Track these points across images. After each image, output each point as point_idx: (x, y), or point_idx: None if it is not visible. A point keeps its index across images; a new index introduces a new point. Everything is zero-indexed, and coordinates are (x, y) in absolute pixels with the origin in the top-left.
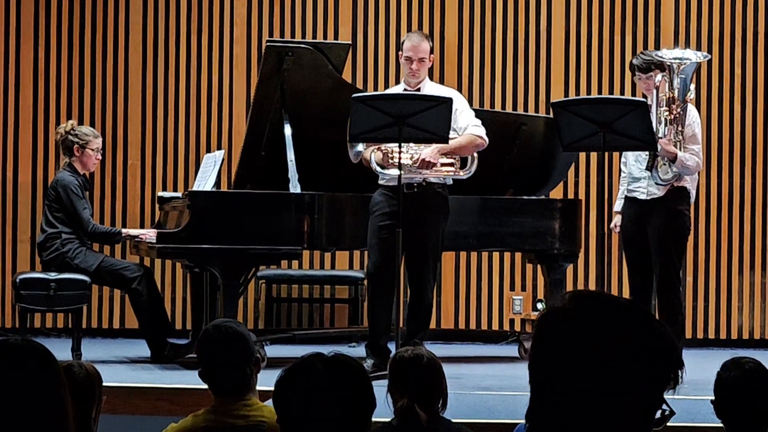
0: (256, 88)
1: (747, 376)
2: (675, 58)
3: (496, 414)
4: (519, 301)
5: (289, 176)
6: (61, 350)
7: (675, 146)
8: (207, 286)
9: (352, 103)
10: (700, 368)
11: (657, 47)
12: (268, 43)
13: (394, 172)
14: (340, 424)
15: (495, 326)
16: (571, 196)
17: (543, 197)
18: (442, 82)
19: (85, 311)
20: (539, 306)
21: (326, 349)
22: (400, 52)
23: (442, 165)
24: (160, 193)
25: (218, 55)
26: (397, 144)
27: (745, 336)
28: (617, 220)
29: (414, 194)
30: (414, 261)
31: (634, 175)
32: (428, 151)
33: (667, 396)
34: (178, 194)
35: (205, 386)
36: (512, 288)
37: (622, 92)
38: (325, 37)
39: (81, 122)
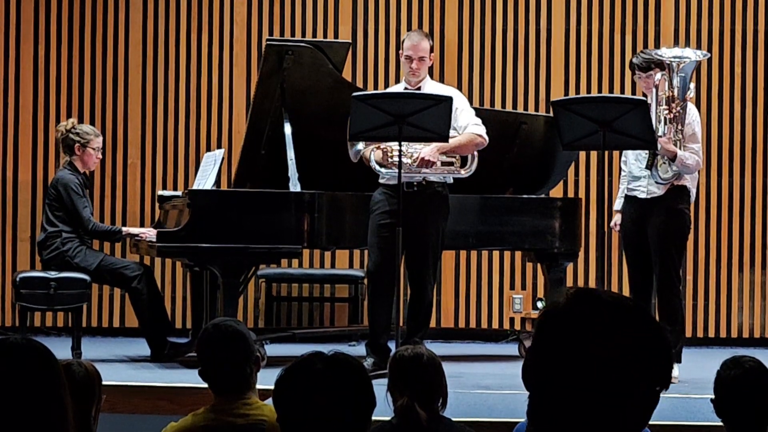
0: (256, 86)
1: (747, 375)
2: (674, 57)
3: (496, 413)
4: (519, 300)
5: (289, 175)
6: (61, 349)
7: (675, 145)
8: (207, 284)
9: (352, 102)
10: (700, 367)
11: (657, 46)
12: (268, 42)
13: (394, 170)
14: (340, 422)
15: (495, 325)
16: (571, 194)
17: (543, 196)
18: (442, 80)
19: (85, 310)
20: (539, 305)
21: (326, 348)
22: (400, 51)
23: (442, 164)
24: (160, 192)
25: (218, 54)
26: (397, 143)
27: (745, 335)
28: (617, 218)
29: (414, 193)
30: (414, 260)
31: (634, 174)
32: (428, 150)
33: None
34: (178, 193)
35: (205, 385)
36: (512, 287)
37: (622, 91)
38: (325, 36)
39: (81, 121)
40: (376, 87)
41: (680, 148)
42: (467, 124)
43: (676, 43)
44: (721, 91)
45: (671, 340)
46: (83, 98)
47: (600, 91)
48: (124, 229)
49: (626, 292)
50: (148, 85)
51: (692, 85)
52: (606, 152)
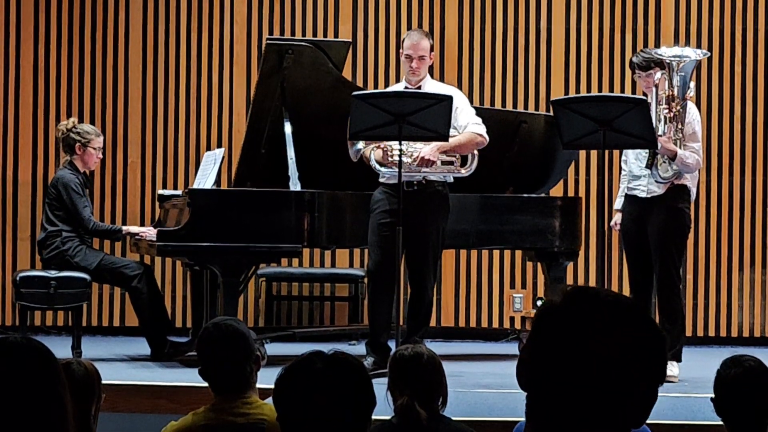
0: (256, 86)
1: (747, 374)
2: (674, 56)
3: (497, 412)
4: (519, 299)
5: (289, 174)
6: (61, 348)
7: (675, 144)
8: (207, 284)
9: (352, 101)
10: (700, 366)
11: (657, 45)
12: (268, 41)
13: (394, 170)
14: (340, 422)
15: (495, 324)
16: (571, 193)
17: (543, 195)
18: (442, 79)
19: (85, 309)
20: (539, 304)
21: (326, 347)
22: (400, 50)
23: (443, 163)
24: (160, 191)
25: (218, 54)
26: (397, 142)
27: (746, 334)
28: (617, 218)
29: (414, 192)
30: (414, 259)
31: (635, 173)
32: (428, 149)
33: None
34: (179, 192)
35: (205, 384)
36: (512, 286)
37: (623, 90)
38: (325, 35)
39: (81, 120)
40: (376, 86)
41: (680, 147)
42: (467, 124)
43: (676, 42)
44: (721, 90)
45: (669, 338)
46: (83, 97)
47: (600, 90)
48: (124, 228)
49: (626, 291)
50: (148, 84)
51: (692, 84)
52: (606, 151)
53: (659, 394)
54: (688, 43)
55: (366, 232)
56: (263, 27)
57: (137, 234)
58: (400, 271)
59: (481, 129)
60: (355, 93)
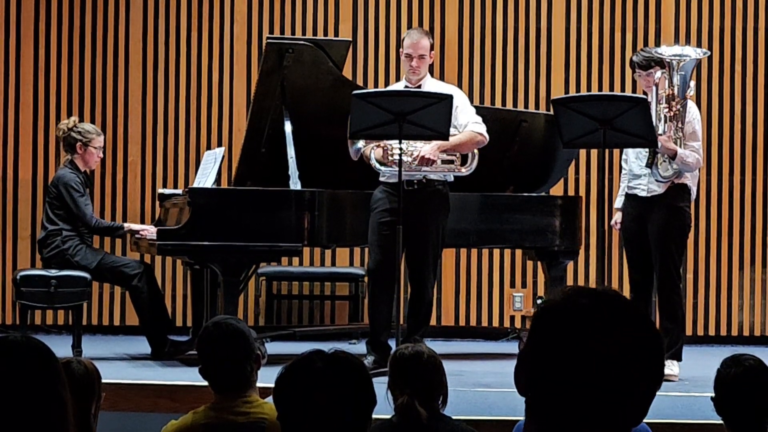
0: (256, 85)
1: (747, 373)
2: (674, 55)
3: (497, 411)
4: (519, 298)
5: (289, 173)
6: (61, 347)
7: (675, 143)
8: (207, 283)
9: (352, 100)
10: (701, 365)
11: (657, 44)
12: (268, 40)
13: (394, 168)
14: (340, 421)
15: (495, 323)
16: (571, 193)
17: (543, 194)
18: (442, 78)
19: (85, 308)
20: (539, 303)
21: (326, 346)
22: (400, 49)
23: (443, 162)
24: (160, 190)
25: (218, 53)
26: (397, 141)
27: (746, 333)
28: (618, 217)
29: (414, 191)
30: (414, 258)
31: (635, 172)
32: (428, 148)
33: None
34: (179, 191)
35: (206, 383)
36: (512, 285)
37: (623, 89)
38: (325, 34)
39: (81, 119)
40: (376, 85)
41: (680, 146)
42: (467, 123)
43: (677, 41)
44: (721, 89)
45: (669, 337)
46: (83, 97)
47: (600, 89)
48: (125, 224)
49: (626, 290)
50: (149, 83)
51: (692, 83)
52: (606, 150)
53: (659, 394)
54: (688, 42)
55: (366, 231)
56: (263, 26)
57: (138, 231)
58: (401, 270)
59: (482, 128)
60: (355, 92)
